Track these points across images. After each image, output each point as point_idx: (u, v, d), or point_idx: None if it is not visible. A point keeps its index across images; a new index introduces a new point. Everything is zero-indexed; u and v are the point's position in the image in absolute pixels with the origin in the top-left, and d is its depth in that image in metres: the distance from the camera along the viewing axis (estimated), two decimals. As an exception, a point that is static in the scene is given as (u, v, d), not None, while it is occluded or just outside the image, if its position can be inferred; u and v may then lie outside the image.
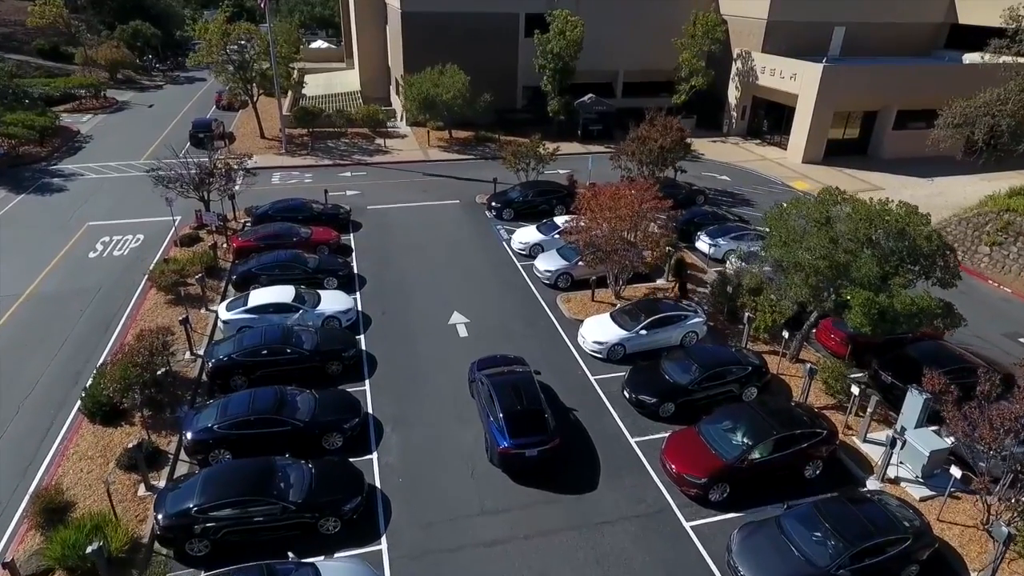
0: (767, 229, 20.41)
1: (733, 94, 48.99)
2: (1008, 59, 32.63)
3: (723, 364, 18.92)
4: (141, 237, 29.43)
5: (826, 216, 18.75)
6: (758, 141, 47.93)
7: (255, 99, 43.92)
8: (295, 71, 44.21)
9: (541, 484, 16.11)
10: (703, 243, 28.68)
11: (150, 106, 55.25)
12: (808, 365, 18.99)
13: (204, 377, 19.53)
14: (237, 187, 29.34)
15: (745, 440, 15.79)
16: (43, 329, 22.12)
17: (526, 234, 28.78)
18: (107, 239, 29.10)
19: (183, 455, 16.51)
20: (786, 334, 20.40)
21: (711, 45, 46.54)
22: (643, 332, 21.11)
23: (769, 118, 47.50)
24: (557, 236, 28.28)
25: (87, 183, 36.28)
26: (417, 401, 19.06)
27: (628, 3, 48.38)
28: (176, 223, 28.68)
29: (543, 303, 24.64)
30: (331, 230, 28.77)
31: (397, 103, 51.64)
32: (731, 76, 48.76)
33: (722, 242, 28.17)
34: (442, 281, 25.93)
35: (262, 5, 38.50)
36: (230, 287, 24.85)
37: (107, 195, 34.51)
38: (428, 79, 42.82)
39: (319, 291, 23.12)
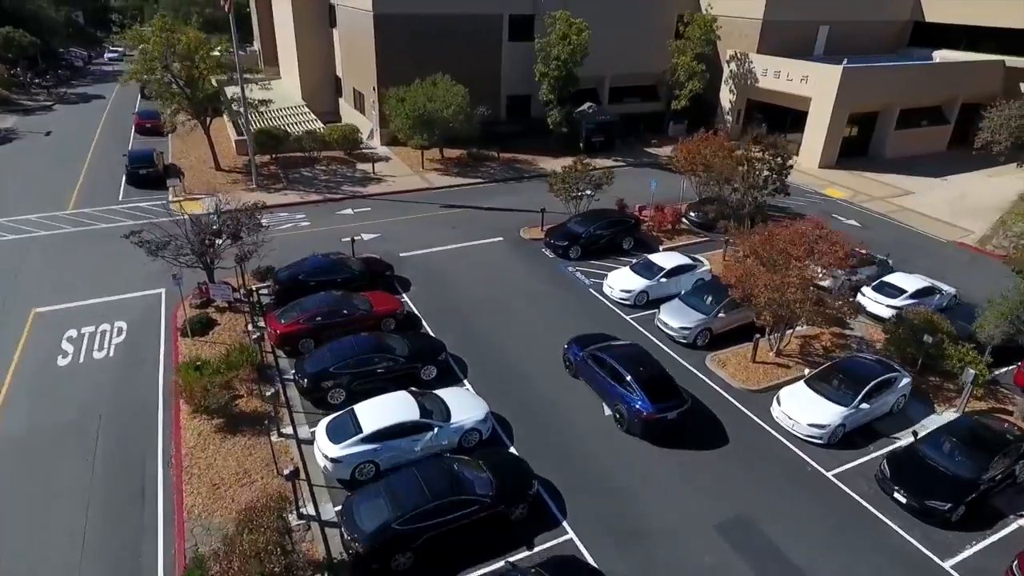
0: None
1: (727, 98, 46.95)
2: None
3: (1004, 443, 15.61)
4: (122, 326, 21.65)
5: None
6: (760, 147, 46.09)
7: (208, 123, 35.63)
8: (252, 86, 36.35)
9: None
10: (875, 303, 23.18)
11: (47, 133, 44.20)
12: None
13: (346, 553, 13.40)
14: (254, 245, 22.34)
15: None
16: (33, 507, 14.59)
17: (624, 279, 24.22)
18: (73, 334, 21.06)
19: None
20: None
21: (705, 46, 44.23)
22: (864, 406, 17.39)
23: (768, 122, 45.82)
24: (664, 280, 24.08)
25: (6, 248, 27.07)
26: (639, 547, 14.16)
27: (614, 4, 44.76)
28: (163, 300, 21.38)
29: (693, 370, 20.30)
30: (389, 296, 22.67)
31: (363, 120, 44.82)
32: (723, 79, 46.69)
33: (898, 303, 22.68)
34: (553, 354, 20.80)
35: (226, 7, 30.74)
36: (293, 395, 18.35)
37: (43, 264, 25.74)
38: (421, 93, 36.85)
39: (435, 392, 17.33)
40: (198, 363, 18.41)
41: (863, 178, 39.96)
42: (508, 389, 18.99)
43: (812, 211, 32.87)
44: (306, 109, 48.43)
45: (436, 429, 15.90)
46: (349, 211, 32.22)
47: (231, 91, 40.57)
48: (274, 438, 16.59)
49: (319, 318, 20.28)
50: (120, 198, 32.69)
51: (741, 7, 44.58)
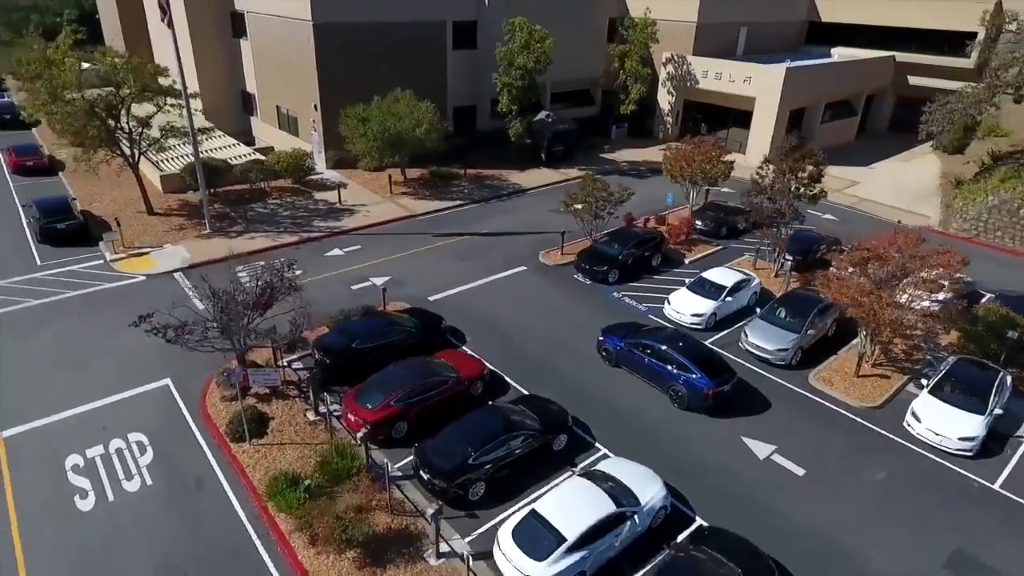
0: None
1: (666, 99, 47.73)
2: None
3: None
4: (141, 439, 16.79)
5: None
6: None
7: (136, 159, 29.26)
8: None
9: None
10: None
11: None
12: None
13: None
14: (302, 314, 18.22)
15: None
16: None
17: (691, 303, 23.10)
18: (79, 461, 15.93)
19: None
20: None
21: (644, 50, 44.57)
22: (997, 411, 17.75)
23: (708, 122, 47.31)
24: (730, 299, 23.37)
25: (-94, 349, 20.21)
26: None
27: (551, 9, 43.58)
28: (176, 394, 16.98)
29: (801, 391, 19.69)
30: (467, 355, 19.73)
31: (294, 142, 39.80)
32: (661, 81, 47.39)
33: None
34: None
35: (165, 20, 25.10)
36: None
37: (-24, 364, 19.56)
38: (385, 110, 33.24)
39: (601, 470, 15.03)
40: (291, 479, 14.62)
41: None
42: (639, 446, 17.16)
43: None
44: (220, 133, 42.15)
45: (634, 516, 13.76)
46: (338, 251, 28.14)
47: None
48: (433, 561, 13.46)
49: (412, 396, 17.04)
50: (39, 262, 25.95)
51: (676, 11, 45.40)
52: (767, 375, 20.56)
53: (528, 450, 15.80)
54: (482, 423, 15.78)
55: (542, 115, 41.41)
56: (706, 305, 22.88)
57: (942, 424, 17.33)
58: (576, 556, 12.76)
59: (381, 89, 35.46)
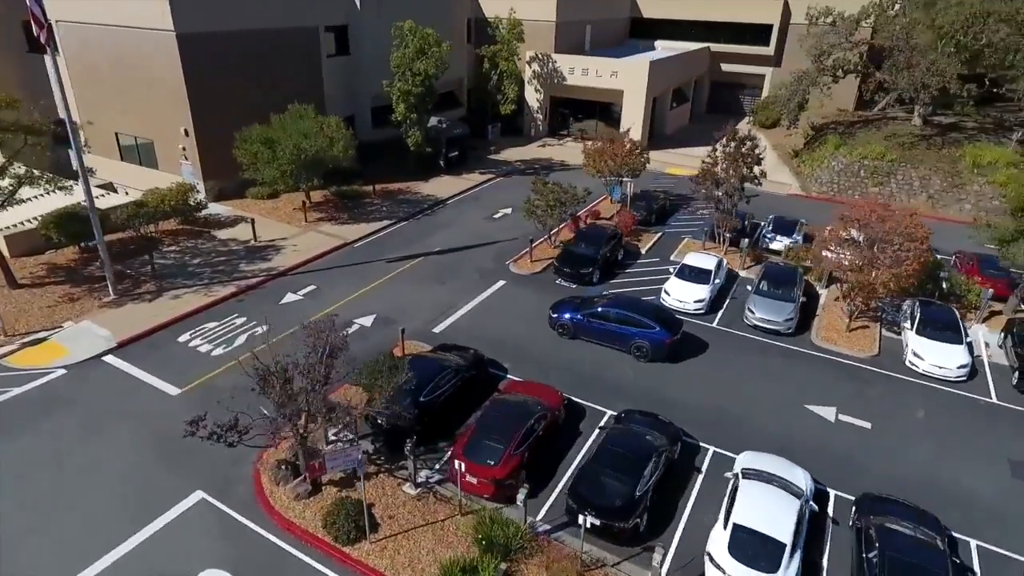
0: None
1: (534, 97, 48.80)
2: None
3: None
4: None
5: None
6: (569, 140, 49.41)
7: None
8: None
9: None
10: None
11: None
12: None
13: None
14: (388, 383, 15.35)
15: None
16: None
17: (689, 291, 24.14)
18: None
19: None
20: None
21: (514, 49, 45.18)
22: (970, 339, 21.51)
23: (576, 116, 49.45)
24: (718, 281, 25.03)
25: None
26: None
27: (417, 11, 41.87)
28: (222, 506, 13.86)
29: (813, 352, 21.92)
30: (543, 386, 18.28)
31: (147, 176, 33.36)
32: (527, 79, 48.31)
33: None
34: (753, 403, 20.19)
35: (41, 39, 18.99)
36: None
37: None
38: (291, 129, 29.33)
39: (761, 469, 15.16)
40: (466, 568, 12.63)
41: (676, 154, 46.47)
42: (721, 427, 17.82)
43: (682, 190, 37.30)
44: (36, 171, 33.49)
45: (809, 504, 14.32)
46: (293, 296, 24.40)
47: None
48: (654, 607, 12.63)
49: (526, 439, 15.62)
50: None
51: (535, 10, 46.47)
52: (777, 343, 22.51)
53: (667, 467, 15.52)
54: (629, 451, 15.09)
55: (434, 121, 39.87)
56: (704, 290, 24.24)
57: (942, 358, 20.60)
58: (797, 557, 12.96)
59: (257, 106, 31.53)
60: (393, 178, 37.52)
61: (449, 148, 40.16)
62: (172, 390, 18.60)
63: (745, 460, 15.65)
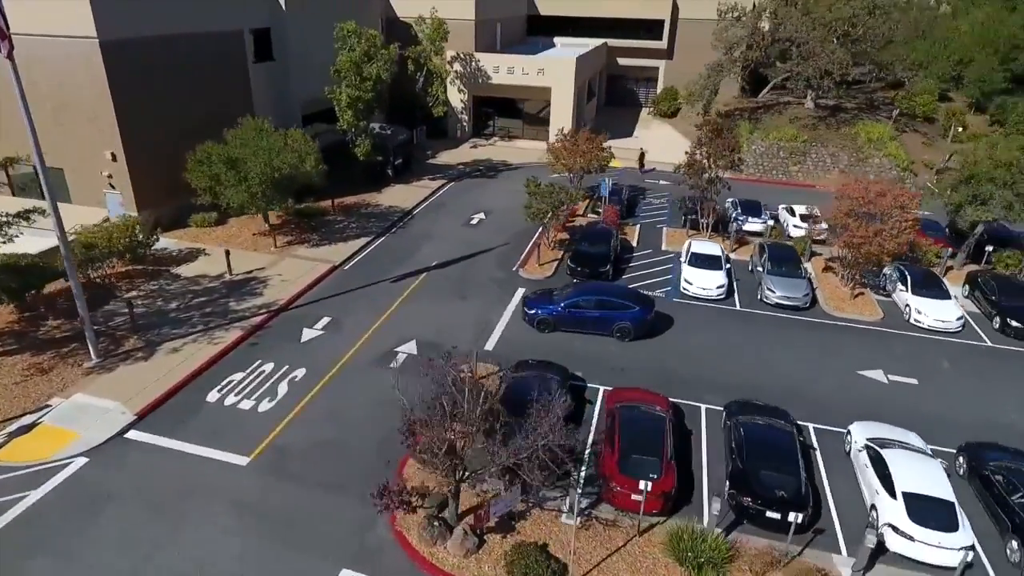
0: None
1: (458, 97, 47.61)
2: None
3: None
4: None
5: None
6: (497, 140, 48.91)
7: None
8: None
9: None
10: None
11: None
12: None
13: None
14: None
15: None
16: None
17: (709, 278, 24.93)
18: None
19: None
20: None
21: (439, 49, 43.80)
22: (956, 296, 24.47)
23: (502, 115, 49.03)
24: (729, 267, 26.31)
25: None
26: None
27: (336, 14, 39.13)
28: None
29: (828, 322, 23.76)
30: (638, 390, 17.98)
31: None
32: (450, 80, 46.96)
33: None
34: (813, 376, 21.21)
35: (4, 50, 14.77)
36: None
37: None
38: (255, 146, 26.06)
39: (886, 437, 16.16)
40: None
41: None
42: (802, 401, 18.89)
43: (629, 180, 38.73)
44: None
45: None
46: (313, 332, 21.78)
47: None
48: (860, 587, 13.01)
49: (671, 446, 15.35)
50: None
51: (454, 9, 45.16)
52: (798, 318, 24.11)
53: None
54: (775, 442, 15.41)
55: (376, 128, 37.54)
56: (722, 275, 25.26)
57: (940, 313, 23.29)
58: (962, 512, 14.01)
59: (188, 121, 28.39)
60: (344, 191, 34.78)
61: (395, 155, 38.08)
62: (238, 459, 15.85)
63: (861, 431, 16.61)
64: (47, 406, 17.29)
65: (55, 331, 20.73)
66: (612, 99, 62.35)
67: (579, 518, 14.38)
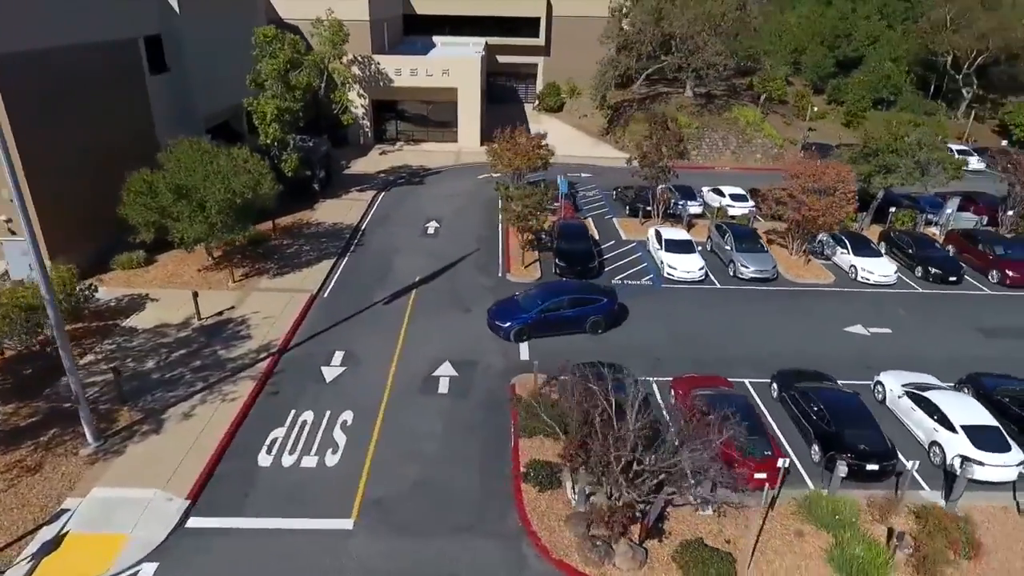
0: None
1: (358, 102, 45.10)
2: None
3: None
4: None
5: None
6: (399, 144, 47.11)
7: None
8: None
9: None
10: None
11: None
12: None
13: None
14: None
15: None
16: None
17: (688, 261, 26.54)
18: None
19: None
20: None
21: (339, 52, 41.27)
22: (884, 254, 28.31)
23: (401, 118, 47.29)
24: (702, 247, 28.11)
25: None
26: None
27: (226, 20, 35.28)
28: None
29: (800, 289, 26.44)
30: (705, 376, 18.70)
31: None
32: (348, 85, 44.36)
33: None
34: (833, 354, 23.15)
35: None
36: None
37: None
38: (205, 171, 22.79)
39: (917, 380, 18.54)
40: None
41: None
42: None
43: (557, 174, 39.71)
44: None
45: (963, 396, 18.23)
46: (333, 369, 19.76)
47: None
48: (957, 514, 14.88)
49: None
50: None
51: (346, 10, 42.63)
52: (768, 289, 26.53)
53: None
54: (852, 404, 17.05)
55: (296, 141, 34.46)
56: (700, 258, 27.00)
57: (881, 269, 26.93)
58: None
59: (90, 144, 24.71)
60: (275, 211, 31.60)
61: (319, 169, 35.33)
62: (342, 524, 14.07)
63: (892, 380, 18.82)
64: (63, 511, 13.98)
65: (15, 419, 16.71)
66: (493, 97, 62.70)
67: (711, 507, 14.83)
